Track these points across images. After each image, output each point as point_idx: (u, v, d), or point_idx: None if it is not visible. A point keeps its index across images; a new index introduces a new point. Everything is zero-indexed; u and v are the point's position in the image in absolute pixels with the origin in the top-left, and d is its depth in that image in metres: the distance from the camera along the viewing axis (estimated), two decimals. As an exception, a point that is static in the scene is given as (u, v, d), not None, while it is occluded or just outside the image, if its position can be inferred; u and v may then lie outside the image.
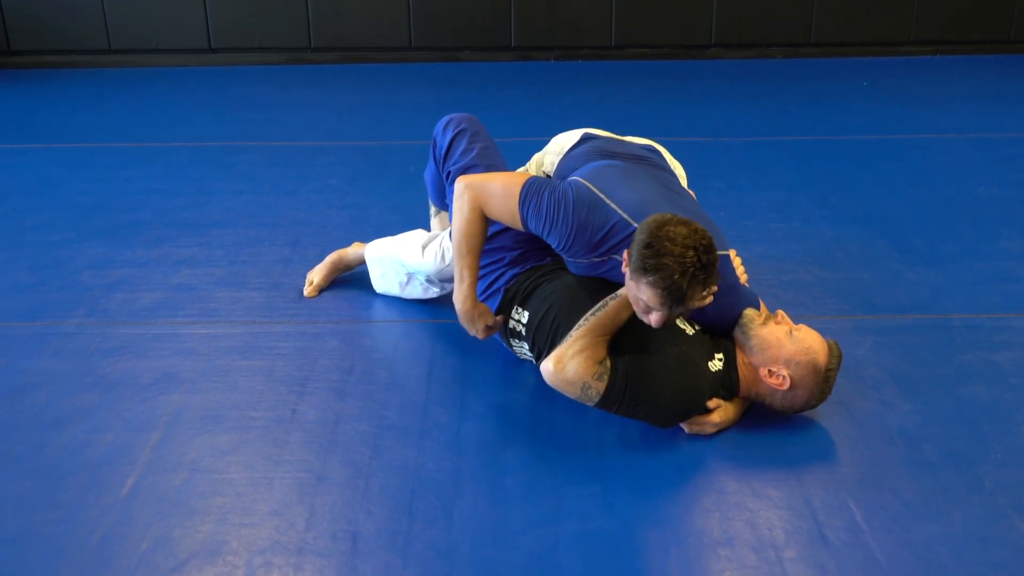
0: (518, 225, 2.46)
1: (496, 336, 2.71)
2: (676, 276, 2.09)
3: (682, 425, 2.39)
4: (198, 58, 6.00)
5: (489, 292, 2.64)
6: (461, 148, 2.76)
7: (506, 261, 2.64)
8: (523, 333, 2.52)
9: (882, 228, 3.59)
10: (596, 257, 2.38)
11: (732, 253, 2.50)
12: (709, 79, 5.69)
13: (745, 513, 2.15)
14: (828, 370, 2.34)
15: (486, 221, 2.49)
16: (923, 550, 2.03)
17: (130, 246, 3.46)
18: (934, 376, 2.64)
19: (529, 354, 2.57)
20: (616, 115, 4.93)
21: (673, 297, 2.12)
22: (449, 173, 2.79)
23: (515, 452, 2.35)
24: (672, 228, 2.12)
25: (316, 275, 3.12)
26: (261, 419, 2.47)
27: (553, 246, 2.46)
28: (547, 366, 2.32)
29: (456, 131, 2.79)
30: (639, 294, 2.18)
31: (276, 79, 5.74)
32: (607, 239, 2.36)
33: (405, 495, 2.19)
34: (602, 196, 2.37)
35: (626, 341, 2.34)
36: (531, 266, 2.61)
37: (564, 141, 2.82)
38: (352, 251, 3.14)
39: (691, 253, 2.10)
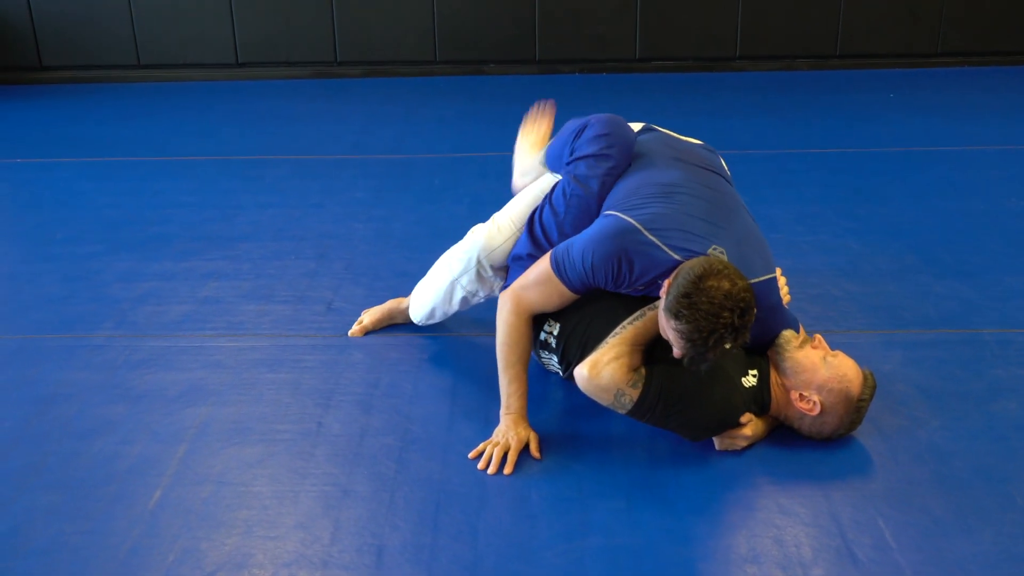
0: (567, 297, 2.38)
1: None
2: (704, 334, 2.08)
3: (713, 439, 2.38)
4: (225, 72, 6.06)
5: None
6: (587, 172, 2.49)
7: None
8: (553, 345, 2.51)
9: (910, 241, 3.56)
10: (641, 286, 2.34)
11: (778, 272, 2.47)
12: (734, 91, 5.67)
13: (772, 530, 2.13)
14: (860, 400, 2.32)
15: (530, 327, 2.44)
16: (954, 568, 2.01)
17: (158, 259, 3.49)
18: (964, 392, 2.61)
19: (557, 366, 2.56)
20: (641, 128, 4.92)
21: (695, 349, 2.12)
22: (564, 171, 2.58)
23: (540, 466, 2.34)
24: (714, 283, 2.09)
25: (368, 316, 2.97)
26: (287, 432, 2.48)
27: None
28: (581, 371, 2.29)
29: (601, 152, 2.49)
30: (666, 327, 2.18)
31: (302, 93, 5.78)
32: (648, 273, 2.30)
33: (430, 509, 2.19)
34: (650, 237, 2.28)
35: (662, 351, 2.32)
36: None
37: None
38: (408, 299, 2.97)
39: (726, 315, 2.08)
